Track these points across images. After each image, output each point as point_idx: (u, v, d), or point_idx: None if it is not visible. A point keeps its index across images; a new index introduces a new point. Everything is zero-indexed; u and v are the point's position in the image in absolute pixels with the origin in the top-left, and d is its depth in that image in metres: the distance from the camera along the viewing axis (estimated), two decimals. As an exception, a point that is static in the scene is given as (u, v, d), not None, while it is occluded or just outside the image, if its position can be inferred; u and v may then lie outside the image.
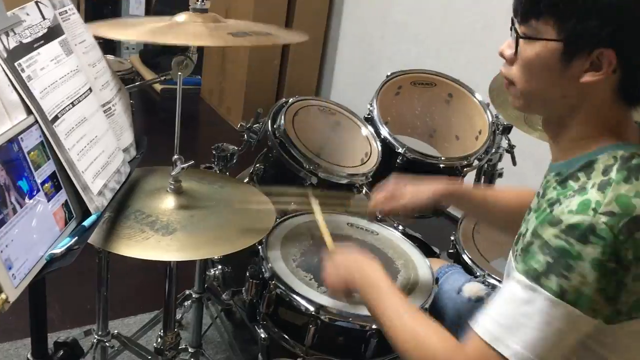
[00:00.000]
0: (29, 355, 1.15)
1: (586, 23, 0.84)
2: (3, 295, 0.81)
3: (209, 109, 3.98)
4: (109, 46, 4.19)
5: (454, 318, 1.39)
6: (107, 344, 1.64)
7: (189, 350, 1.81)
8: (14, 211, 0.86)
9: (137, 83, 1.42)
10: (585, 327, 0.86)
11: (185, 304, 1.98)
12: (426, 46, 3.07)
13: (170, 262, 1.33)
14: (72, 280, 2.17)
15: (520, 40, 0.92)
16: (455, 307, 1.41)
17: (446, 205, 1.58)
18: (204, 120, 3.95)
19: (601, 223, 0.82)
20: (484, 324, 0.89)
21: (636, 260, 0.83)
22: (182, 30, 1.31)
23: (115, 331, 1.70)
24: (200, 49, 4.45)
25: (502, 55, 0.97)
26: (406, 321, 0.99)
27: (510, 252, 1.05)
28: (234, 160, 1.71)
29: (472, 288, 1.44)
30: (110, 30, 1.29)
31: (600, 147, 0.91)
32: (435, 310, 1.42)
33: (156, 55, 4.15)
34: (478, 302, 1.39)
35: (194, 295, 1.89)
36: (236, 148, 1.70)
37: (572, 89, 0.90)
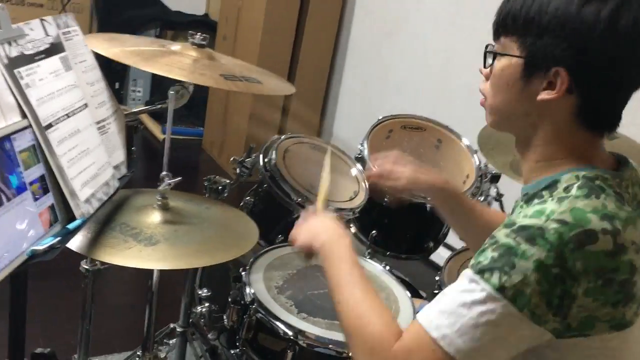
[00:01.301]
0: (5, 366, 1.16)
1: (542, 41, 0.89)
2: (-19, 281, 0.83)
3: (209, 159, 4.05)
4: (115, 96, 4.32)
5: None
6: (87, 373, 1.63)
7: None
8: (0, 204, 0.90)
9: (134, 110, 1.47)
10: (528, 332, 0.85)
11: (171, 342, 1.97)
12: (423, 101, 3.16)
13: (152, 280, 1.35)
14: (58, 316, 2.18)
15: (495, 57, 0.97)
16: None
17: (433, 202, 1.51)
18: (203, 169, 4.02)
19: (550, 229, 0.83)
20: (424, 312, 0.90)
21: (587, 274, 0.83)
22: (173, 61, 1.36)
23: (96, 361, 1.69)
24: (204, 101, 4.51)
25: (481, 72, 1.02)
26: (357, 300, 0.99)
27: None
28: (225, 194, 1.75)
29: None
30: (103, 43, 1.34)
31: (565, 170, 0.93)
32: None
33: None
34: None
35: (178, 329, 1.89)
36: (228, 181, 1.74)
37: (532, 107, 0.93)
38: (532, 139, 0.97)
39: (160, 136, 4.11)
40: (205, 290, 1.92)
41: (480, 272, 0.86)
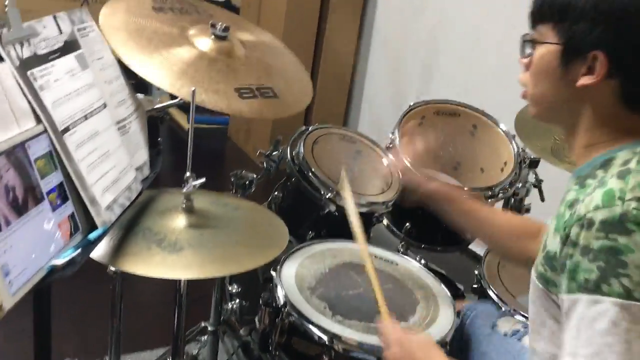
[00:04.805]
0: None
1: (578, 25, 0.87)
2: (-3, 302, 0.78)
3: (235, 148, 4.01)
4: (141, 85, 4.29)
5: (492, 356, 1.32)
6: (118, 374, 1.60)
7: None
8: (15, 217, 0.84)
9: (157, 106, 1.42)
10: None
11: (202, 338, 1.93)
12: (455, 84, 3.05)
13: (180, 283, 1.30)
14: (89, 314, 2.15)
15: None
16: (494, 347, 1.33)
17: (435, 206, 1.53)
18: (229, 157, 3.98)
19: (632, 210, 0.78)
20: None
21: None
22: (186, 64, 1.32)
23: (128, 361, 1.66)
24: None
25: (521, 62, 0.99)
26: None
27: (533, 271, 0.99)
28: (252, 188, 1.69)
29: (506, 322, 1.38)
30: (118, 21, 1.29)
31: (618, 147, 0.90)
32: (469, 349, 1.36)
33: (185, 96, 4.21)
34: (514, 336, 1.32)
35: (209, 328, 1.85)
36: (255, 175, 1.68)
37: (573, 94, 0.91)
38: (577, 126, 0.94)
39: (187, 126, 4.06)
40: (236, 286, 1.88)
41: (596, 288, 0.79)
